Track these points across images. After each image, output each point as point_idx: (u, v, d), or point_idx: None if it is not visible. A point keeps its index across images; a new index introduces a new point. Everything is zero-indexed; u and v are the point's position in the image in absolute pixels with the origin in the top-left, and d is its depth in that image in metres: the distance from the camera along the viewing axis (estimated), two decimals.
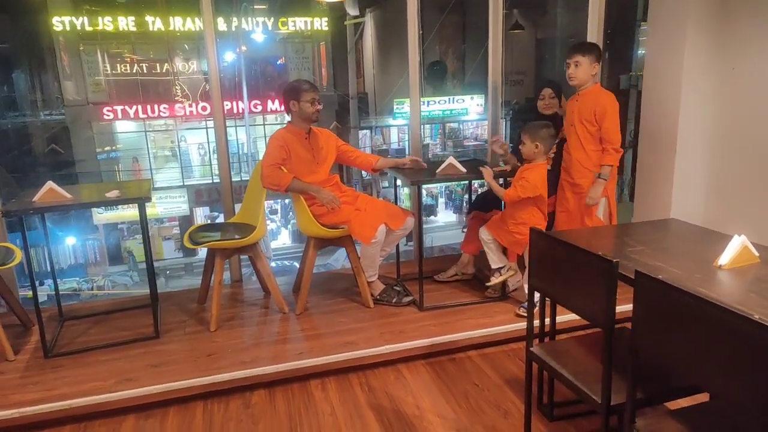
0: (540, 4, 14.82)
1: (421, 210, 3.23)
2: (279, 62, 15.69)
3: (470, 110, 17.62)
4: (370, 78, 17.21)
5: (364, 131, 16.63)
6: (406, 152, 17.84)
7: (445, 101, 16.75)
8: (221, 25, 13.57)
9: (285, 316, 3.27)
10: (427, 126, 17.58)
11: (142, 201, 2.84)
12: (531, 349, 2.14)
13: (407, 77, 4.01)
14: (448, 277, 3.62)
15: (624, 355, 1.69)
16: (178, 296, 3.66)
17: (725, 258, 1.87)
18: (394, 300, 3.34)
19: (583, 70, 3.04)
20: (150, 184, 3.20)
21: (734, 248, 1.87)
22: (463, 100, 17.34)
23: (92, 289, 13.80)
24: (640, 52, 15.43)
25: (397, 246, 3.57)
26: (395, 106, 16.14)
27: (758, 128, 2.91)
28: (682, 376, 1.64)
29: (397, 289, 3.42)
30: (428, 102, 16.23)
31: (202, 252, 3.19)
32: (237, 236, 3.15)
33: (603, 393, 1.75)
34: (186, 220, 15.57)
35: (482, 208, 3.59)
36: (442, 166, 3.21)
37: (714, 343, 1.41)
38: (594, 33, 3.71)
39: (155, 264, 14.69)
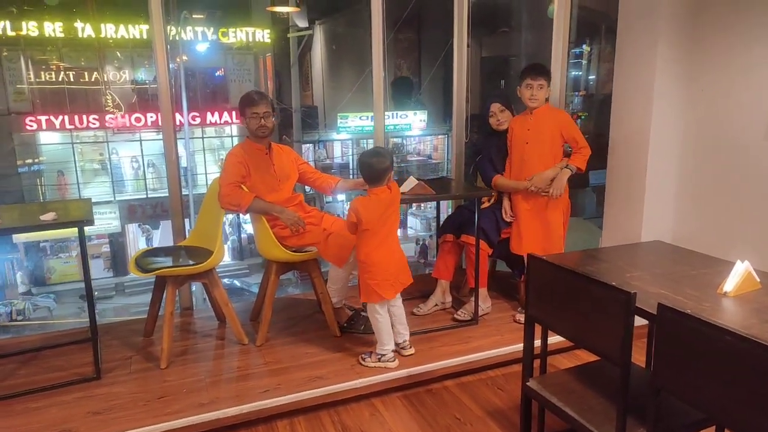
0: (486, 24, 15.22)
1: None
2: (218, 74, 15.17)
3: (413, 126, 17.68)
4: (319, 91, 16.92)
5: (308, 145, 16.31)
6: (350, 167, 17.66)
7: (389, 116, 16.72)
8: None
9: (245, 348, 2.99)
10: (370, 141, 17.48)
11: (83, 224, 2.51)
12: (527, 384, 2.00)
13: (359, 90, 3.84)
14: (428, 310, 3.35)
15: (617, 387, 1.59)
16: (120, 328, 3.29)
17: (730, 285, 1.81)
18: (362, 327, 3.12)
19: (545, 93, 3.12)
20: (91, 204, 2.85)
21: (739, 274, 1.81)
22: (407, 116, 17.36)
23: (11, 314, 12.64)
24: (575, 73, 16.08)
25: None
26: (339, 121, 15.96)
27: (727, 148, 2.94)
28: (713, 416, 1.54)
29: (365, 315, 3.21)
30: (370, 117, 16.14)
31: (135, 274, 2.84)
32: (191, 262, 2.85)
33: None
34: (118, 237, 14.66)
35: (455, 230, 3.28)
36: (409, 186, 3.03)
37: (747, 381, 1.32)
38: (558, 51, 3.69)
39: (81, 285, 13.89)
